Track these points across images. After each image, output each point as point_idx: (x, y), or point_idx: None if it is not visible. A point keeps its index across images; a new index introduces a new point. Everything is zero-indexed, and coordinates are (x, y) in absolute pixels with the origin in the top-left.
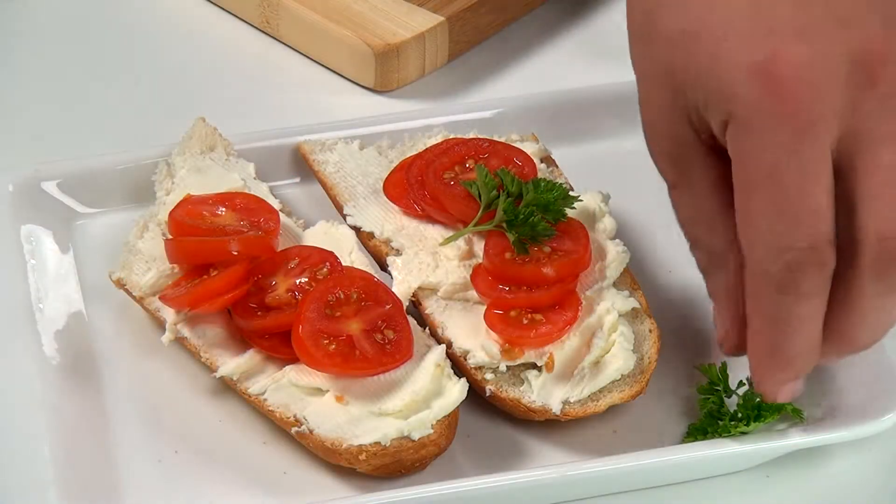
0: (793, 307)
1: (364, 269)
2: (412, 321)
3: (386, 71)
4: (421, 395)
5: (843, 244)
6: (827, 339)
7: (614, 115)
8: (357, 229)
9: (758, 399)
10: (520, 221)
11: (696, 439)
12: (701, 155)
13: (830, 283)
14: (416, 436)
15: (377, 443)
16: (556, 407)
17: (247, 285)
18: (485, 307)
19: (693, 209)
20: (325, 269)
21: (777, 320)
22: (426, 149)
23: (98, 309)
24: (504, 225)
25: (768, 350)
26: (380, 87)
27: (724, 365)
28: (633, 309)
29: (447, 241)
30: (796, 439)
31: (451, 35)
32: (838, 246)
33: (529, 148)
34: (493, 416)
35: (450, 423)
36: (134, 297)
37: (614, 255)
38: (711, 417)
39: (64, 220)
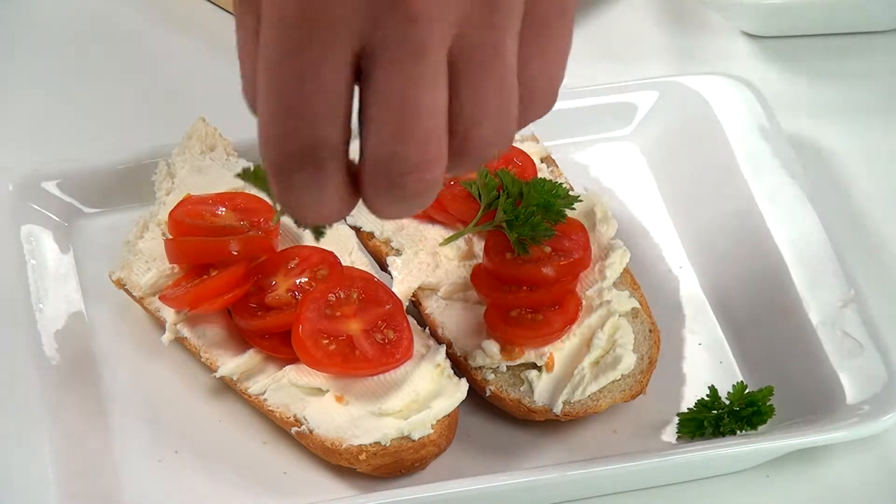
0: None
1: (364, 269)
2: (412, 321)
3: None
4: (421, 395)
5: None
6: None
7: (614, 115)
8: (357, 229)
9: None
10: (520, 221)
11: (689, 429)
12: None
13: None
14: (416, 436)
15: (377, 443)
16: (556, 407)
17: (247, 285)
18: (485, 307)
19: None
20: (324, 270)
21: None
22: None
23: (98, 309)
24: (504, 225)
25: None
26: None
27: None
28: (633, 309)
29: (447, 241)
30: (796, 439)
31: None
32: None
33: (529, 148)
34: (493, 416)
35: (450, 423)
36: (134, 297)
37: (614, 256)
38: (704, 406)
39: (64, 220)
